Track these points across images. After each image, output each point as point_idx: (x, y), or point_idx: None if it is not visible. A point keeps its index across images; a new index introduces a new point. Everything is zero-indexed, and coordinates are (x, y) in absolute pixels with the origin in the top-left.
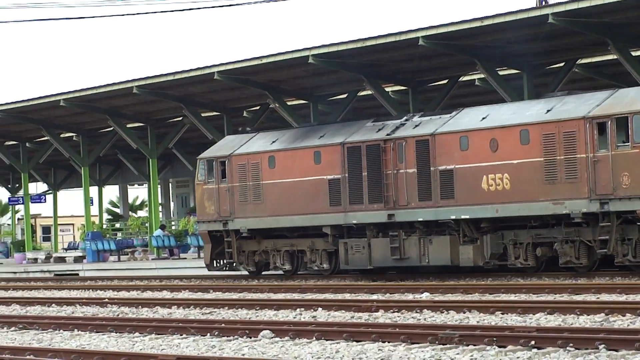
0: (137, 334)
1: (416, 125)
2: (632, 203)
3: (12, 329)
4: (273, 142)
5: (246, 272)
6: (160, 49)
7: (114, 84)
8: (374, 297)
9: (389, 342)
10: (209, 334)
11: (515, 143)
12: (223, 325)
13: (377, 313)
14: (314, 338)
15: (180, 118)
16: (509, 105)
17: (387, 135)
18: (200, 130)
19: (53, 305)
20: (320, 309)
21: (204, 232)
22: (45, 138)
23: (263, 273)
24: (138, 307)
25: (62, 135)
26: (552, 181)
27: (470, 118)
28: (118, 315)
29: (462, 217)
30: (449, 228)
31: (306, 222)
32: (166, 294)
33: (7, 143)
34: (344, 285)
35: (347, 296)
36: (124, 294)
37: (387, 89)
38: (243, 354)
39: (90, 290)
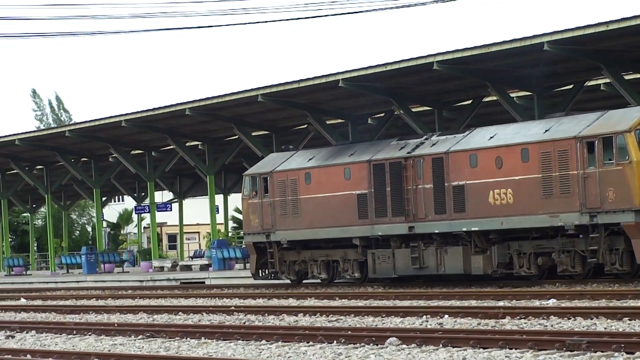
0: (263, 341)
1: (433, 144)
2: (616, 216)
3: (140, 337)
4: (310, 159)
5: (288, 281)
6: (284, 58)
7: (239, 92)
8: (500, 303)
9: (516, 348)
10: (335, 342)
11: (517, 160)
12: (349, 332)
13: (503, 320)
14: (441, 345)
15: (305, 126)
16: (514, 126)
17: (408, 153)
18: (325, 138)
19: (180, 313)
20: (446, 315)
21: (249, 244)
22: (171, 147)
23: (303, 281)
24: (264, 314)
25: (187, 144)
26: (548, 196)
27: (479, 137)
28: (244, 323)
29: (472, 229)
30: (461, 239)
31: (338, 234)
32: (292, 302)
33: (133, 152)
34: (470, 292)
35: (473, 303)
36: (250, 302)
37: (512, 95)
38: None
39: (217, 298)
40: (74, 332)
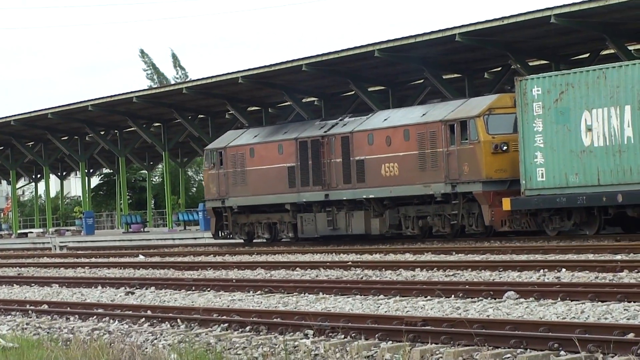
0: (381, 296)
1: (344, 125)
2: (470, 186)
3: (258, 292)
4: (255, 136)
5: (241, 240)
6: (399, 10)
7: (354, 47)
8: (618, 257)
9: (634, 302)
10: (453, 296)
11: (401, 140)
12: (467, 286)
13: (621, 273)
14: (559, 298)
15: (422, 80)
16: (403, 110)
17: (324, 132)
18: (441, 93)
19: (297, 269)
20: (563, 269)
21: (209, 209)
22: (288, 103)
23: (254, 241)
24: (381, 269)
25: (303, 100)
26: (423, 169)
27: (377, 119)
28: (362, 278)
29: (370, 196)
30: (364, 205)
31: (274, 200)
32: (409, 257)
33: (250, 109)
34: (587, 246)
35: (591, 257)
36: (366, 257)
37: (629, 48)
38: (488, 315)
39: (333, 254)
40: (193, 288)
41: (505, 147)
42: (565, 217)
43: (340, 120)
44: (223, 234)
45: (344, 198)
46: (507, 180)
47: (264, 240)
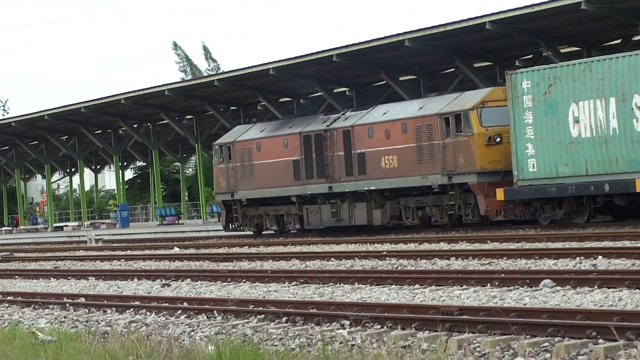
0: (417, 285)
1: (345, 119)
2: (465, 177)
3: (294, 283)
4: (262, 131)
5: (250, 232)
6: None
7: (385, 37)
8: None
9: None
10: (489, 285)
11: (399, 133)
12: (503, 275)
13: None
14: (596, 286)
15: (453, 69)
16: (402, 104)
17: (327, 126)
18: (473, 81)
19: (332, 259)
20: (600, 257)
21: (219, 202)
22: (319, 93)
23: (263, 233)
24: (416, 259)
25: (335, 90)
26: (421, 161)
27: (377, 113)
28: (397, 267)
29: (372, 188)
30: (365, 197)
31: (280, 193)
32: (444, 246)
33: (281, 100)
34: (623, 233)
35: (627, 244)
36: (401, 247)
37: None
38: (524, 304)
39: (368, 243)
40: (229, 279)
41: (498, 139)
42: (556, 207)
43: (342, 114)
44: (233, 226)
45: (347, 190)
46: (501, 171)
47: (272, 232)
